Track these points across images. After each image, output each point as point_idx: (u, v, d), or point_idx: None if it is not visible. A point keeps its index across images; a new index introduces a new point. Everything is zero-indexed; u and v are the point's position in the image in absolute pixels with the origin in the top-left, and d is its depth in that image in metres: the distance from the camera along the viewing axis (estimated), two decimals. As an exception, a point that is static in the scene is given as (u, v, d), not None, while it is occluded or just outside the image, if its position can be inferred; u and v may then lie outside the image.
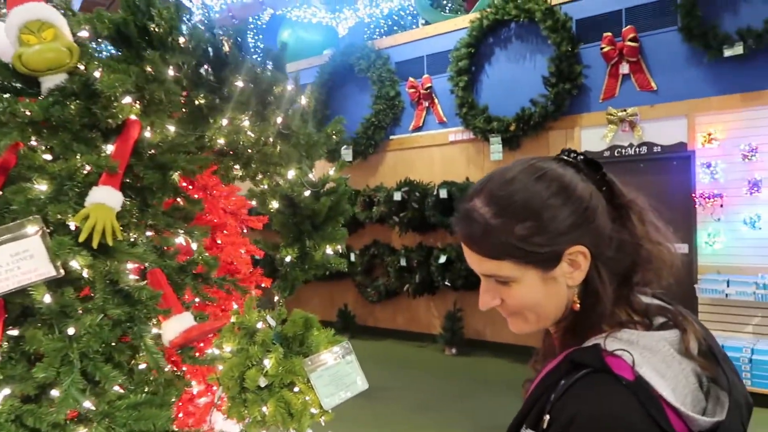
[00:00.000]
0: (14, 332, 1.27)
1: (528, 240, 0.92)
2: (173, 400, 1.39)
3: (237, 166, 1.75)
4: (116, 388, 1.25)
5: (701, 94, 6.03)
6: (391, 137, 8.65)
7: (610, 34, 6.47)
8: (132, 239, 1.35)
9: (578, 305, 0.97)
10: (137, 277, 1.37)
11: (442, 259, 7.63)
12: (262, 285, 2.44)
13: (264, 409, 1.53)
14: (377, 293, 8.52)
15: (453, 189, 7.46)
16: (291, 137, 1.62)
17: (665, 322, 0.97)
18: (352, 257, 8.86)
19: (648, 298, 1.01)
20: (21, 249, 1.19)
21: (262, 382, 1.53)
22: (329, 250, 1.74)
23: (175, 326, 1.37)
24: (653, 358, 0.88)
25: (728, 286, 5.57)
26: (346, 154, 8.72)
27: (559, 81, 6.74)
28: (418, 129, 8.36)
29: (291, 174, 1.65)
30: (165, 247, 1.46)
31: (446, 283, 7.60)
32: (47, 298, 1.24)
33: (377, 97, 8.46)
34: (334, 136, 1.71)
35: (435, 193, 7.63)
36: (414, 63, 8.35)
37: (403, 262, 8.16)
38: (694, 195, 5.96)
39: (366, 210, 8.48)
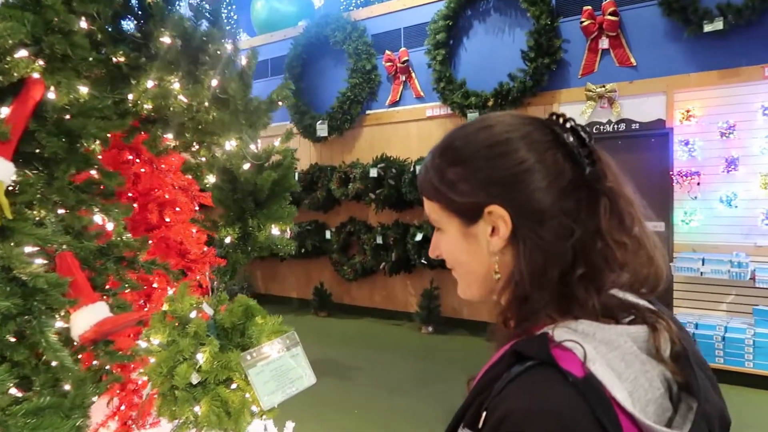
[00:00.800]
0: None
1: (454, 185, 0.90)
2: (92, 401, 1.23)
3: (169, 136, 1.56)
4: (13, 390, 1.09)
5: (680, 71, 5.93)
6: (368, 112, 8.45)
7: (590, 7, 6.32)
8: (38, 218, 1.18)
9: (497, 275, 0.89)
10: (46, 262, 1.20)
11: (419, 236, 7.52)
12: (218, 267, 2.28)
13: (197, 408, 1.38)
14: (353, 271, 8.40)
15: (429, 165, 7.30)
16: (228, 103, 1.44)
17: (633, 319, 0.83)
18: (328, 235, 8.75)
19: (620, 293, 0.86)
20: None
21: (195, 378, 1.38)
22: (275, 230, 1.57)
23: (85, 318, 1.20)
24: (610, 355, 0.76)
25: (703, 264, 5.54)
26: (321, 129, 8.52)
27: (538, 55, 6.60)
28: (395, 104, 8.17)
29: (230, 144, 1.47)
30: (84, 227, 1.28)
31: (423, 261, 7.50)
32: None
33: (353, 70, 8.23)
34: (280, 103, 1.54)
35: (412, 169, 7.49)
36: (391, 35, 8.13)
37: (379, 240, 8.05)
38: (671, 173, 5.90)
39: (342, 187, 8.31)
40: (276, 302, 9.72)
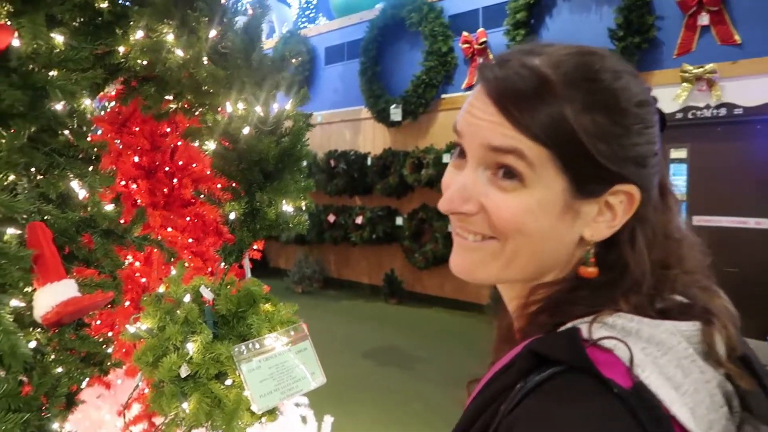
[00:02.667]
0: None
1: (592, 136, 0.61)
2: (62, 391, 1.10)
3: (170, 97, 1.42)
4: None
5: (794, 48, 5.28)
6: (443, 96, 8.19)
7: (689, -21, 5.74)
8: (6, 183, 1.06)
9: (595, 271, 0.66)
10: (19, 232, 1.09)
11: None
12: (254, 247, 2.15)
13: (186, 404, 1.24)
14: (425, 259, 8.22)
15: (506, 152, 6.99)
16: (229, 58, 1.27)
17: (682, 315, 0.63)
18: (400, 221, 8.61)
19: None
20: None
21: (184, 371, 1.23)
22: (287, 207, 1.39)
23: (48, 298, 1.08)
24: (662, 359, 0.57)
25: (814, 267, 4.92)
26: (395, 113, 8.35)
27: (628, 34, 6.07)
28: (471, 87, 7.83)
29: (235, 106, 1.30)
30: (62, 196, 1.16)
31: (496, 251, 7.19)
32: None
33: (429, 53, 7.98)
34: (293, 60, 1.35)
35: (486, 156, 7.18)
36: (468, 16, 7.80)
37: (451, 228, 7.81)
38: (779, 163, 5.28)
39: (415, 172, 8.14)
40: (348, 287, 9.72)
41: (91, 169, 1.15)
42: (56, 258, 1.07)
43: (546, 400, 0.54)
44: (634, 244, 0.66)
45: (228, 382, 1.27)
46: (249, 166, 1.30)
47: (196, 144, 1.49)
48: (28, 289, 1.10)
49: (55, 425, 1.10)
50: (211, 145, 1.37)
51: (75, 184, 1.17)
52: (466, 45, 7.70)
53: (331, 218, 9.44)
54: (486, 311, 7.36)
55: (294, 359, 1.29)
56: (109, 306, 1.26)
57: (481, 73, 0.68)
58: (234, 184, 1.35)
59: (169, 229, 1.96)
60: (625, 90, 0.64)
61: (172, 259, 1.40)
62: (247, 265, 1.94)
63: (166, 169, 2.11)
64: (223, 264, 1.42)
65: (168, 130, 2.11)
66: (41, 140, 1.08)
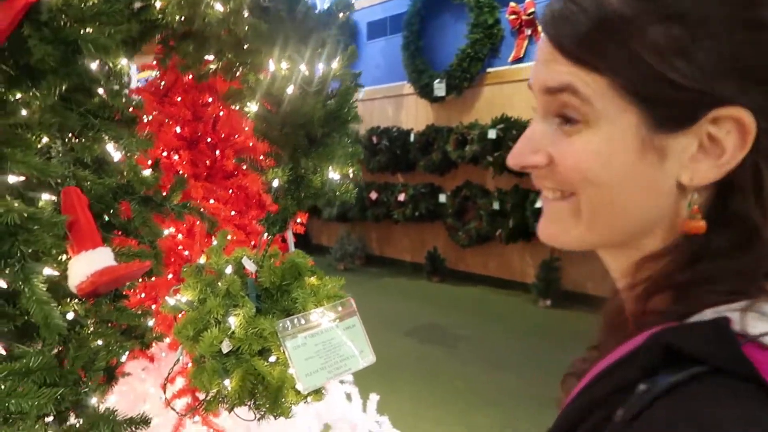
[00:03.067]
0: None
1: (664, 53, 0.48)
2: (100, 365, 1.06)
3: (209, 57, 1.35)
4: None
5: None
6: (489, 70, 7.95)
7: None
8: (40, 145, 1.02)
9: (701, 225, 0.51)
10: (54, 198, 1.04)
11: (540, 203, 7.03)
12: (299, 220, 2.09)
13: (228, 381, 1.18)
14: (468, 237, 8.09)
15: (554, 126, 6.77)
16: (272, 11, 1.18)
17: None
18: (443, 198, 8.49)
19: None
20: None
21: (226, 346, 1.18)
22: (334, 174, 1.31)
23: (83, 267, 1.03)
24: None
25: None
26: (439, 88, 8.17)
27: None
28: (518, 60, 7.59)
29: (278, 65, 1.22)
30: (97, 159, 1.10)
31: (543, 229, 7.01)
32: None
33: (474, 25, 7.74)
34: (340, 14, 1.25)
35: (534, 131, 6.97)
36: (517, -15, 7.52)
37: (496, 206, 7.66)
38: None
39: (458, 149, 7.97)
40: (390, 265, 9.68)
41: (127, 131, 1.10)
42: (92, 225, 1.02)
43: (686, 411, 0.41)
44: (762, 191, 0.50)
45: (272, 359, 1.21)
46: (293, 129, 1.22)
47: (238, 107, 1.42)
48: (63, 257, 1.06)
49: (94, 400, 1.07)
50: (253, 108, 1.30)
51: (111, 148, 1.12)
52: (513, 16, 7.43)
53: (374, 195, 9.38)
54: (531, 290, 7.21)
55: (341, 336, 1.22)
56: (148, 277, 1.22)
57: (542, 15, 0.58)
58: (277, 150, 1.29)
59: (212, 201, 1.92)
60: None
61: (214, 229, 1.34)
62: (290, 239, 1.88)
63: (209, 140, 2.06)
64: (266, 234, 1.36)
65: (210, 99, 2.06)
66: (75, 100, 1.03)
